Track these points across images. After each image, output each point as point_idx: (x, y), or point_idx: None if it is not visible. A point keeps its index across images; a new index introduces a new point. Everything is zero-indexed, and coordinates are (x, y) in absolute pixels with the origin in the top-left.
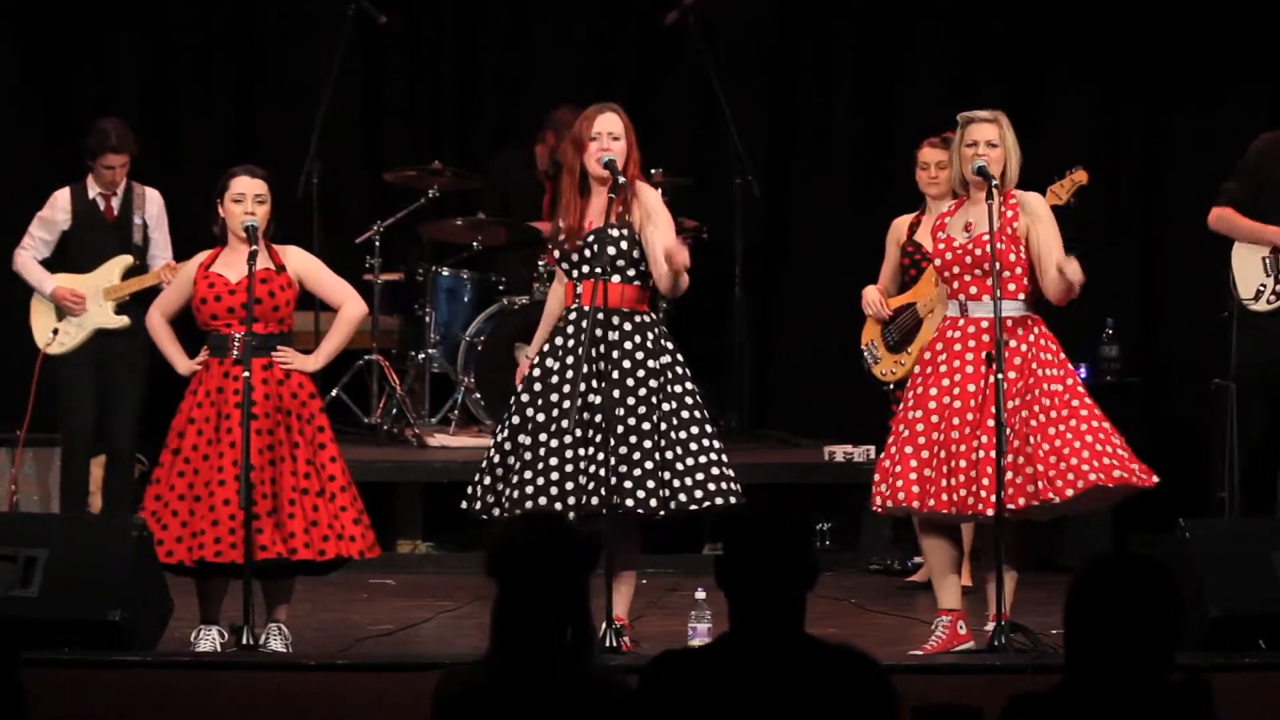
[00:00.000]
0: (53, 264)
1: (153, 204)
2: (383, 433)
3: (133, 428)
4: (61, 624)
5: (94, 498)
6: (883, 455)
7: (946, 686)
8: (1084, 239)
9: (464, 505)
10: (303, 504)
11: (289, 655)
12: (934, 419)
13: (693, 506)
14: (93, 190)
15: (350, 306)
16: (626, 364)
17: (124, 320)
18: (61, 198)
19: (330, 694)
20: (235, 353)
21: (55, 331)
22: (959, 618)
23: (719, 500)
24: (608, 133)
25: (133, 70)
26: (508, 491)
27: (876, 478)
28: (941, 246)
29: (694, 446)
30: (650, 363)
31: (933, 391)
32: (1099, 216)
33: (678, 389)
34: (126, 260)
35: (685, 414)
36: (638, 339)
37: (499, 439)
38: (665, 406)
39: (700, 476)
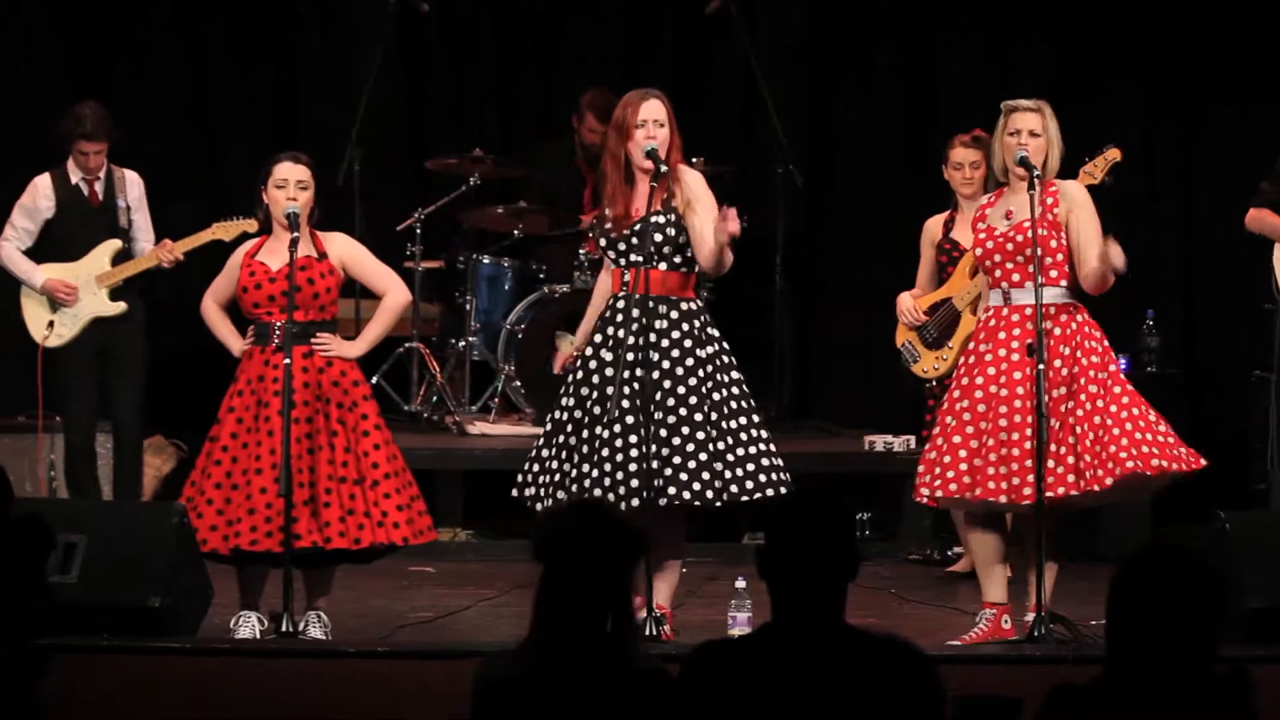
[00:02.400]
0: (39, 253)
1: (133, 186)
2: (423, 420)
3: (138, 411)
4: (101, 610)
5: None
6: (928, 447)
7: (987, 677)
8: (1118, 222)
9: (514, 493)
10: (339, 492)
11: (328, 642)
12: (981, 408)
13: (744, 497)
14: (74, 176)
15: (395, 294)
16: (675, 353)
17: (121, 306)
18: (43, 184)
19: (369, 681)
20: (276, 340)
21: (51, 324)
22: (1004, 612)
23: (770, 491)
24: (653, 120)
25: (174, 60)
26: (564, 482)
27: (921, 469)
28: (982, 236)
29: (744, 436)
30: (699, 351)
31: (979, 381)
32: (1139, 208)
33: (726, 378)
34: (115, 245)
35: (734, 403)
36: (685, 327)
37: (549, 428)
38: (715, 396)
39: (751, 467)
